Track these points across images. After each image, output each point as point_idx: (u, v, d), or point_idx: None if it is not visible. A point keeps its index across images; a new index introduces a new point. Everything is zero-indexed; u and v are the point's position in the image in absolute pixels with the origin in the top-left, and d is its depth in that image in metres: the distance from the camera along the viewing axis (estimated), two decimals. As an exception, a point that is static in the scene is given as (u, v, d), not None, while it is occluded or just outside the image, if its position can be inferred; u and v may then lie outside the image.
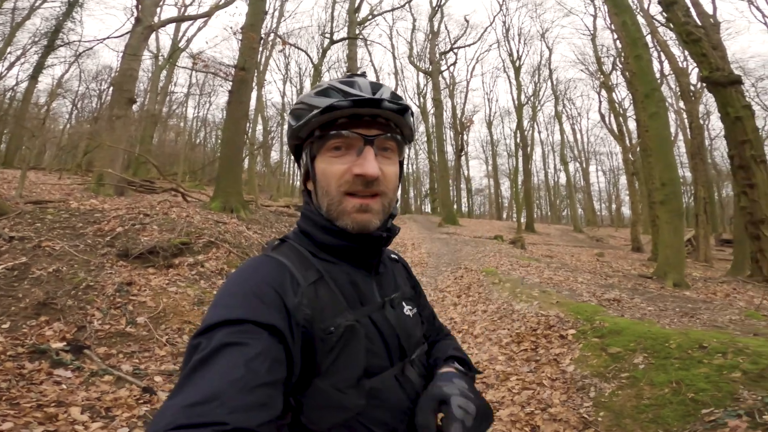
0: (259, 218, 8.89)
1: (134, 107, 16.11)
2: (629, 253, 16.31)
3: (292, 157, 0.81)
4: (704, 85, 7.88)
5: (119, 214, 5.54)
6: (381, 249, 0.73)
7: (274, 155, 35.50)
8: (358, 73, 0.72)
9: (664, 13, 8.03)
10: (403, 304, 0.76)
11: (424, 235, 14.26)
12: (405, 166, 36.70)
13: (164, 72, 22.32)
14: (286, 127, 0.75)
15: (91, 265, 4.00)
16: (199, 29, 29.50)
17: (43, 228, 4.68)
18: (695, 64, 7.94)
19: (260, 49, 16.13)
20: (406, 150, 0.78)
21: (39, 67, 19.11)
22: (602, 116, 23.94)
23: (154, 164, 11.32)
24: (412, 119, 0.73)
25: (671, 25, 8.43)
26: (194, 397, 0.44)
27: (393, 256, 0.87)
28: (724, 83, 6.63)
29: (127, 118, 12.99)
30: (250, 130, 20.85)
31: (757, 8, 18.81)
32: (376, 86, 0.69)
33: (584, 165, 36.71)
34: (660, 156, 6.29)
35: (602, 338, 3.15)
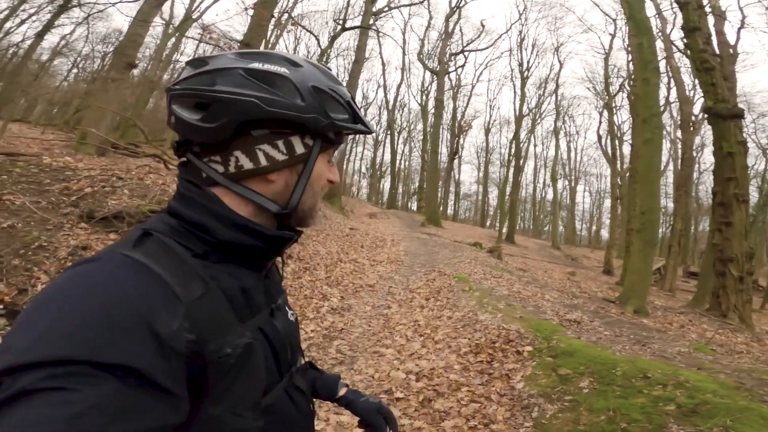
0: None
1: (135, 72, 15.71)
2: (599, 275, 16.67)
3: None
4: (705, 116, 8.01)
5: (91, 175, 5.35)
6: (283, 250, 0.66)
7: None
8: (328, 65, 0.70)
9: (684, 39, 8.06)
10: (287, 308, 0.71)
11: (405, 232, 14.27)
12: (398, 160, 36.87)
13: (172, 40, 21.80)
14: (300, 101, 0.57)
15: (48, 224, 3.85)
16: (215, 0, 28.86)
17: (9, 181, 4.48)
18: (702, 94, 8.04)
19: (272, 27, 15.82)
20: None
21: (48, 26, 18.52)
22: (599, 137, 24.29)
23: (141, 128, 10.95)
24: None
25: (688, 52, 8.48)
26: None
27: None
28: (725, 116, 6.74)
29: (123, 82, 12.75)
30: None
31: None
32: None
33: (573, 184, 37.23)
34: (645, 183, 6.40)
35: (555, 358, 3.17)
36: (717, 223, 6.79)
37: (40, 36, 18.21)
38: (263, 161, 0.58)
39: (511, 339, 3.68)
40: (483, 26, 25.93)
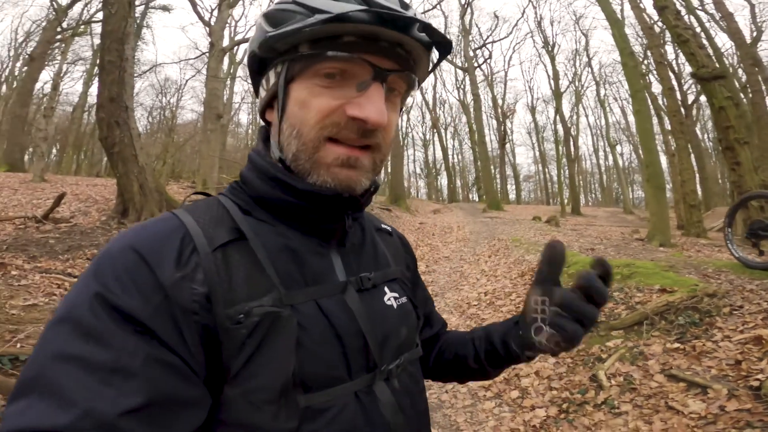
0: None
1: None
2: (673, 230, 16.93)
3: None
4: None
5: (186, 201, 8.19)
6: (345, 213, 0.53)
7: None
8: None
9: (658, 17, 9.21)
10: (385, 289, 0.57)
11: (468, 219, 16.18)
12: (450, 155, 37.83)
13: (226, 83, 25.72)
14: (251, 34, 0.53)
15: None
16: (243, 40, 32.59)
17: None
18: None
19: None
20: (411, 97, 0.57)
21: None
22: (653, 97, 24.15)
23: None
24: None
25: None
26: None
27: (384, 227, 0.68)
28: (708, 78, 8.00)
29: (217, 132, 16.13)
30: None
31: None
32: (404, 4, 0.50)
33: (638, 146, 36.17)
34: (643, 144, 7.83)
35: (569, 267, 5.12)
36: (730, 164, 7.99)
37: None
38: (259, 103, 0.57)
39: (544, 265, 5.66)
40: (497, 18, 27.02)
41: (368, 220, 0.65)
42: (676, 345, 2.89)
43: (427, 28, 0.48)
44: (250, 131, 37.02)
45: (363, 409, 0.48)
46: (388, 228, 0.70)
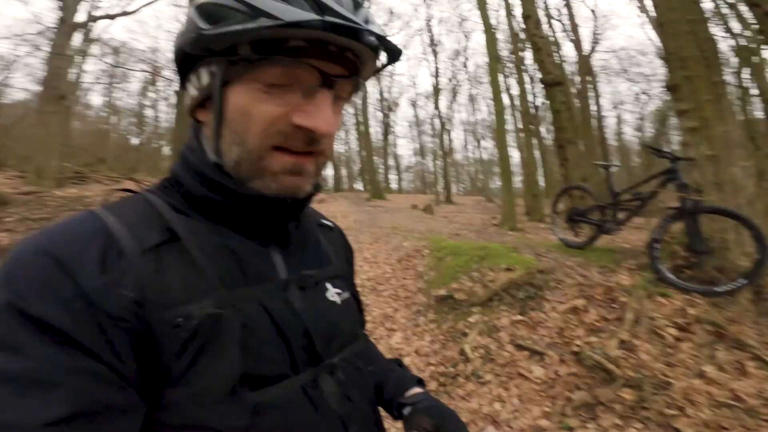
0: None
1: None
2: (521, 216, 20.12)
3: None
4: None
5: (104, 199, 7.08)
6: (286, 216, 0.53)
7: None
8: None
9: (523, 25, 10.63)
10: (327, 285, 0.57)
11: (353, 208, 16.56)
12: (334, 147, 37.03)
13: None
14: (181, 28, 0.49)
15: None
16: (113, 18, 27.87)
17: (56, 211, 6.19)
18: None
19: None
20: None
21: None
22: (511, 98, 27.92)
23: (100, 158, 12.24)
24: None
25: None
26: None
27: (325, 222, 0.69)
28: (551, 84, 9.51)
29: (59, 114, 13.48)
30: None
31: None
32: (356, 3, 0.48)
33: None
34: (498, 141, 9.21)
35: (439, 251, 5.70)
36: (561, 160, 9.77)
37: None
38: (187, 100, 0.52)
39: (419, 250, 6.19)
40: (392, 13, 28.12)
41: (310, 216, 0.65)
42: (519, 317, 3.43)
43: (380, 38, 0.48)
44: (102, 114, 31.45)
45: (311, 402, 0.49)
46: (330, 223, 0.71)
